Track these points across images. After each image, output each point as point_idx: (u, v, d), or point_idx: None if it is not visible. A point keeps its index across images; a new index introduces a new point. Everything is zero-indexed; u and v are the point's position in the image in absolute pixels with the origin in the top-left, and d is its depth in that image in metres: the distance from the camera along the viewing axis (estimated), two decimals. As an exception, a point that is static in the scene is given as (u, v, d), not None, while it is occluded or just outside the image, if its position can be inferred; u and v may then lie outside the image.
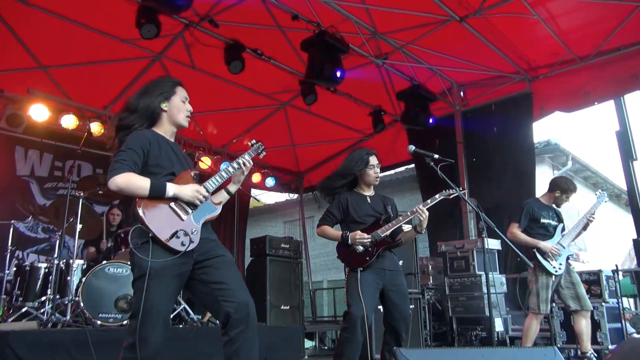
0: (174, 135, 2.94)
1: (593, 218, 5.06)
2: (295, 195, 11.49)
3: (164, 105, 2.85)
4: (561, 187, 5.20)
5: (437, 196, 3.74)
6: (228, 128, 8.99)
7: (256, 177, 9.51)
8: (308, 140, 9.67)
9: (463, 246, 7.03)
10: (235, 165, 2.90)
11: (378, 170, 3.95)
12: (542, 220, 5.13)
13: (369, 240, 3.73)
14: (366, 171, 3.94)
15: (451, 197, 3.75)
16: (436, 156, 3.69)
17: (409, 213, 3.78)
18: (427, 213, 3.70)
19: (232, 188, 2.96)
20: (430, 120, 7.85)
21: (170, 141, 2.88)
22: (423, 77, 7.99)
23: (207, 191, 2.80)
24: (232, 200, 7.80)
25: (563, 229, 5.16)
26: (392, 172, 13.10)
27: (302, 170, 10.79)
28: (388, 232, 3.77)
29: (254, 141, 3.07)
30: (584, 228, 5.11)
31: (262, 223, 18.25)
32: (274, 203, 18.99)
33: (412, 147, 3.83)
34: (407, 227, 4.03)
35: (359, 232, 3.75)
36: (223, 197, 2.94)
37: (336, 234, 3.87)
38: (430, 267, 7.47)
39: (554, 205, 5.27)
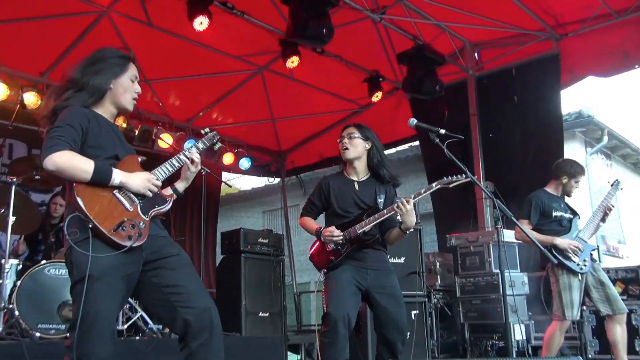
0: (113, 117, 2.97)
1: (612, 207, 5.15)
2: (276, 180, 11.69)
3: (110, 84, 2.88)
4: (567, 172, 5.26)
5: (433, 185, 3.75)
6: (193, 98, 9.00)
7: (228, 158, 9.51)
8: (290, 113, 9.67)
9: (477, 239, 7.10)
10: (175, 163, 2.93)
11: (347, 141, 3.98)
12: (555, 214, 5.20)
13: (340, 238, 3.82)
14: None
15: (452, 185, 3.76)
16: (442, 131, 3.71)
17: (385, 211, 3.82)
18: (409, 207, 3.70)
19: (180, 186, 3.01)
20: (438, 88, 7.85)
21: (110, 122, 2.91)
22: (429, 36, 7.99)
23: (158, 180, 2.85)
24: (199, 186, 7.82)
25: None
26: (392, 150, 13.18)
27: (283, 149, 10.79)
28: (366, 228, 3.83)
29: (207, 129, 3.12)
30: (602, 220, 5.18)
31: (236, 213, 18.20)
32: (250, 189, 19.01)
33: (413, 121, 3.86)
34: None
35: (330, 227, 3.86)
36: (175, 191, 3.00)
37: (312, 228, 3.99)
38: (437, 264, 7.54)
39: (564, 196, 5.37)
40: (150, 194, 2.77)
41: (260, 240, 7.64)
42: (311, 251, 4.01)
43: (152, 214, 2.80)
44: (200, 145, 3.03)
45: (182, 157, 2.95)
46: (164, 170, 2.89)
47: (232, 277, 7.29)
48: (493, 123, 8.39)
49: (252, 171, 10.40)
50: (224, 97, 9.05)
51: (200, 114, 9.27)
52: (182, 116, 9.16)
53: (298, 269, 11.12)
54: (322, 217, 4.16)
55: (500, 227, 3.73)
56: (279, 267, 7.70)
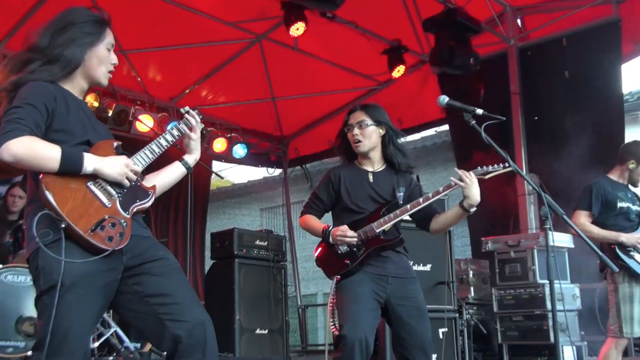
0: (83, 94, 2.94)
1: None
2: (277, 171, 11.58)
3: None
4: (637, 155, 5.22)
5: (489, 168, 3.75)
6: (178, 73, 9.02)
7: (220, 145, 9.51)
8: (294, 91, 9.65)
9: (519, 243, 7.09)
10: (155, 148, 2.91)
11: (358, 132, 3.99)
12: (620, 205, 5.17)
13: (354, 239, 3.81)
14: (349, 135, 4.05)
15: (489, 176, 3.78)
16: (480, 111, 3.63)
17: (430, 195, 3.82)
18: (473, 179, 3.72)
19: (191, 159, 3.07)
20: (472, 61, 7.82)
21: (79, 99, 2.88)
22: (463, -1, 7.98)
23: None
24: (185, 178, 8.02)
25: None
26: (417, 136, 13.32)
27: (286, 134, 10.80)
28: (387, 227, 3.83)
29: (187, 108, 3.08)
30: None
31: (229, 211, 18.24)
32: (246, 182, 18.99)
33: (444, 98, 3.79)
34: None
35: (342, 227, 3.84)
36: (165, 179, 3.01)
37: (318, 228, 3.97)
38: (471, 273, 7.56)
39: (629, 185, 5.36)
40: (128, 183, 2.74)
41: (257, 242, 7.64)
42: (317, 254, 4.00)
43: (134, 209, 2.78)
44: (175, 132, 2.98)
45: (162, 141, 2.92)
46: (143, 157, 2.85)
47: (224, 287, 7.31)
48: (539, 103, 8.38)
49: (248, 160, 10.36)
50: (215, 71, 9.02)
51: (187, 91, 9.26)
52: (164, 94, 9.13)
53: (303, 278, 11.21)
54: (326, 217, 4.14)
55: (549, 229, 3.65)
56: (280, 276, 7.71)
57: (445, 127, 10.42)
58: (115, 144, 2.83)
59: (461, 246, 9.83)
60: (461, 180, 3.70)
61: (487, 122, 3.61)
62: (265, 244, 7.70)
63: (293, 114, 10.28)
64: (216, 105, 9.57)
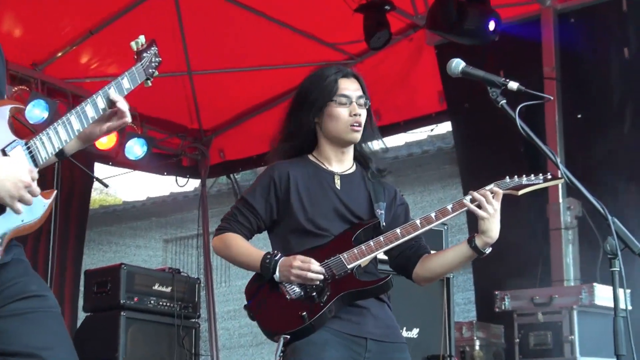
0: None
1: None
2: (193, 183, 11.87)
3: None
4: None
5: (525, 180, 3.74)
6: (46, 28, 9.00)
7: (105, 139, 9.34)
8: (222, 64, 9.78)
9: (550, 301, 7.12)
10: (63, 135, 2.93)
11: (360, 112, 3.90)
12: None
13: (320, 276, 3.67)
14: (333, 111, 3.91)
15: (530, 188, 3.74)
16: (514, 85, 3.52)
17: (433, 215, 3.75)
18: (497, 201, 3.68)
19: (71, 145, 3.07)
20: (492, 26, 7.93)
21: None
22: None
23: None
24: (49, 183, 7.89)
25: None
26: (401, 139, 13.62)
27: (206, 128, 10.89)
28: (364, 261, 3.73)
29: (141, 39, 3.22)
30: None
31: (118, 240, 18.40)
32: (144, 200, 19.28)
33: (459, 63, 3.73)
34: None
35: (299, 256, 3.69)
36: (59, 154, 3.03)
37: (251, 254, 3.82)
38: (477, 344, 7.53)
39: None
40: (20, 209, 2.75)
41: (157, 287, 7.70)
42: (252, 300, 3.85)
43: (11, 233, 2.81)
44: (115, 91, 3.14)
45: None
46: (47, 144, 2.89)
47: (101, 353, 7.26)
48: (584, 93, 8.48)
49: (148, 164, 10.35)
50: (102, 27, 9.00)
51: (59, 55, 9.22)
52: (25, 58, 9.05)
53: (224, 344, 11.48)
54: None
55: (617, 273, 3.48)
56: (189, 340, 7.74)
57: (446, 124, 10.44)
58: (9, 107, 2.85)
59: (462, 303, 9.78)
60: (478, 203, 3.68)
61: (525, 104, 3.50)
62: (169, 290, 7.72)
63: (218, 98, 10.36)
64: (102, 79, 9.14)
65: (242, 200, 3.91)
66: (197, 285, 8.01)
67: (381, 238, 3.70)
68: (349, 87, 3.91)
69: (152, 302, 7.59)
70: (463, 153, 9.08)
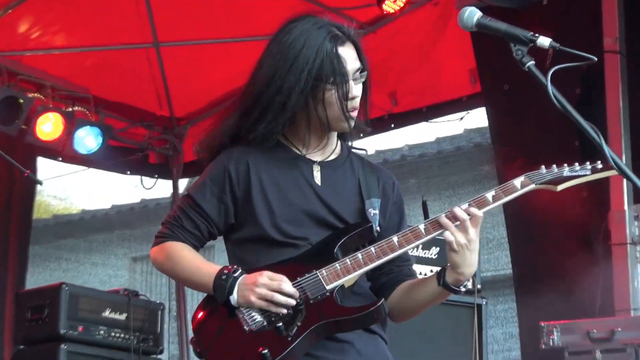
0: None
1: None
2: (163, 187, 11.78)
3: None
4: None
5: (566, 171, 3.61)
6: None
7: (50, 125, 9.22)
8: (197, 34, 9.74)
9: (612, 334, 6.79)
10: None
11: (357, 94, 3.63)
12: None
13: (291, 300, 3.39)
14: (328, 95, 3.57)
15: (572, 182, 3.62)
16: (545, 40, 3.22)
17: (420, 229, 3.53)
18: (474, 231, 3.43)
19: None
20: None
21: None
22: None
23: None
24: None
25: None
26: (430, 134, 14.15)
27: (179, 115, 10.74)
28: (350, 278, 3.48)
29: None
30: None
31: (73, 256, 18.71)
32: (109, 208, 19.41)
33: (473, 13, 3.42)
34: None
35: (266, 272, 3.44)
36: None
37: (201, 270, 3.56)
38: None
39: None
40: None
41: (108, 314, 7.64)
42: (203, 335, 3.57)
43: None
44: None
45: None
46: None
47: None
48: None
49: (104, 160, 10.15)
50: None
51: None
52: None
53: None
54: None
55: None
56: None
57: (478, 111, 10.01)
58: None
59: (502, 338, 9.20)
60: (449, 220, 3.48)
61: (559, 66, 3.20)
62: (124, 317, 7.66)
63: (194, 78, 10.27)
64: (47, 51, 9.48)
65: (188, 199, 3.64)
66: (159, 312, 7.83)
67: (372, 249, 3.48)
68: (348, 58, 3.61)
69: (101, 332, 7.47)
70: (501, 148, 8.70)
